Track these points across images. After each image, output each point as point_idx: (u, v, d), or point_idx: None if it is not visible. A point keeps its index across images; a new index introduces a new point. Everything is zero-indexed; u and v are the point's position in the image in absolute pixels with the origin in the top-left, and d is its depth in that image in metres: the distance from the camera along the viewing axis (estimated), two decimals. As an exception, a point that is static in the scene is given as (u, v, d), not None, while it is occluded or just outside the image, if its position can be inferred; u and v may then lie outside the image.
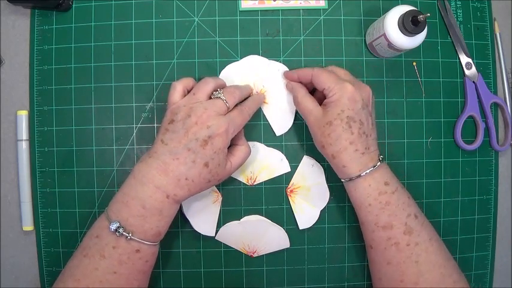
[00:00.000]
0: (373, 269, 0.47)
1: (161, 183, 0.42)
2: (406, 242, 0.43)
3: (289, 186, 0.54)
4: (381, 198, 0.44)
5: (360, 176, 0.44)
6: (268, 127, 0.54)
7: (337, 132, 0.44)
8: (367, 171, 0.44)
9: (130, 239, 0.41)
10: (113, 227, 0.41)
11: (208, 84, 0.45)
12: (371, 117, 0.45)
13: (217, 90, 0.45)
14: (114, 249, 0.42)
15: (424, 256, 0.43)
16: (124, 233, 0.41)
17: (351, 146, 0.44)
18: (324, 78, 0.45)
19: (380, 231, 0.44)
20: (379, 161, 0.45)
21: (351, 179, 0.45)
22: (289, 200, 0.53)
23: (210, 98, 0.45)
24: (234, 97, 0.46)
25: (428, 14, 0.44)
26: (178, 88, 0.45)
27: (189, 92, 0.46)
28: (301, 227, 0.53)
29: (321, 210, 0.53)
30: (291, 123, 0.53)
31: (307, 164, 0.53)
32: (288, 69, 0.53)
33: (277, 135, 0.54)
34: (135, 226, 0.42)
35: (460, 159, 0.55)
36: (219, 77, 0.53)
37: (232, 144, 0.48)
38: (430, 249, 0.44)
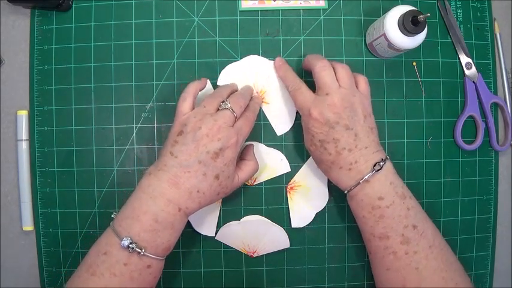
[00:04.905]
0: (374, 273, 0.47)
1: (173, 196, 0.42)
2: (404, 251, 0.43)
3: (290, 183, 0.53)
4: (374, 212, 0.44)
5: (351, 190, 0.44)
6: (269, 127, 0.54)
7: (317, 157, 0.46)
8: (354, 188, 0.44)
9: (143, 254, 0.40)
10: (125, 243, 0.40)
11: (217, 99, 0.46)
12: (351, 130, 0.44)
13: (223, 102, 0.45)
14: (125, 266, 0.40)
15: (424, 263, 0.43)
16: (137, 249, 0.40)
17: (333, 166, 0.45)
18: (299, 101, 0.46)
19: (377, 240, 0.44)
20: (374, 170, 0.43)
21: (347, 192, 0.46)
22: (288, 196, 0.53)
23: (218, 109, 0.45)
24: (241, 106, 0.46)
25: (428, 14, 0.44)
26: (188, 99, 0.45)
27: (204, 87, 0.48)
28: (293, 225, 0.53)
29: (316, 213, 0.53)
30: (292, 123, 0.53)
31: (313, 164, 0.53)
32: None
33: (277, 135, 0.54)
34: (147, 241, 0.41)
35: (460, 159, 0.55)
36: (219, 77, 0.53)
37: (241, 159, 0.48)
38: (430, 256, 0.43)
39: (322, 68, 0.45)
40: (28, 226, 0.53)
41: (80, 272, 0.42)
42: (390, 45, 0.48)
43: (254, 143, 0.53)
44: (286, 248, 0.53)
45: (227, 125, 0.43)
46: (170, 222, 0.42)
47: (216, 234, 0.53)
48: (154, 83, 0.53)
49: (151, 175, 0.43)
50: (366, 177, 0.43)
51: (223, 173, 0.43)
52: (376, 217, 0.43)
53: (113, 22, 0.53)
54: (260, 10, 0.54)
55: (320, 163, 0.47)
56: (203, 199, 0.43)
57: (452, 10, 0.55)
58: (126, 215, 0.42)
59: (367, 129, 0.45)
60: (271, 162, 0.53)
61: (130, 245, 0.40)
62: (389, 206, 0.43)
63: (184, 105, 0.45)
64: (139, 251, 0.40)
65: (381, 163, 0.44)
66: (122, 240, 0.40)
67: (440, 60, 0.55)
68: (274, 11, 0.54)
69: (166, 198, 0.41)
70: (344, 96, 0.44)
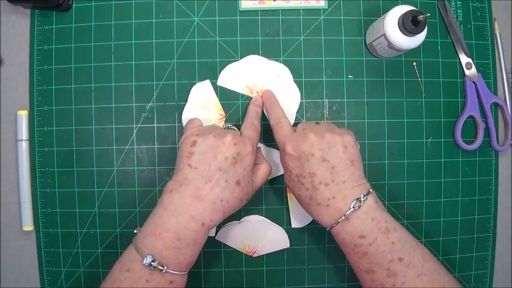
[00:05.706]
0: None
1: (197, 212, 0.41)
2: (391, 283, 0.42)
3: (289, 186, 0.54)
4: (357, 249, 0.42)
5: (332, 227, 0.43)
6: (268, 127, 0.53)
7: (296, 193, 0.45)
8: (335, 226, 0.42)
9: (166, 272, 0.40)
10: (147, 261, 0.39)
11: (215, 125, 0.49)
12: (327, 162, 0.42)
13: (222, 127, 0.47)
14: (148, 282, 0.40)
15: None
16: (159, 266, 0.40)
17: (312, 202, 0.43)
18: (278, 135, 0.46)
19: (363, 274, 0.43)
20: (352, 208, 0.41)
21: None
22: (288, 196, 0.53)
23: None
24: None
25: (428, 14, 0.44)
26: (196, 118, 0.47)
27: None
28: (293, 225, 0.53)
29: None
30: (292, 123, 0.53)
31: None
32: (286, 72, 0.53)
33: (277, 135, 0.54)
34: (169, 258, 0.40)
35: (460, 159, 0.55)
36: (219, 77, 0.53)
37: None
38: (419, 285, 0.42)
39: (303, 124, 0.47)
40: (28, 226, 0.53)
41: (105, 285, 0.42)
42: (390, 45, 0.48)
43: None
44: (286, 248, 0.53)
45: (238, 134, 0.45)
46: (192, 239, 0.41)
47: (216, 234, 0.53)
48: (154, 83, 0.53)
49: (173, 191, 0.42)
50: (346, 214, 0.41)
51: (244, 178, 0.43)
52: (359, 254, 0.42)
53: (113, 22, 0.53)
54: (260, 10, 0.54)
55: (300, 200, 0.45)
56: (227, 208, 0.43)
57: (452, 10, 0.55)
58: (148, 232, 0.41)
59: (346, 161, 0.43)
60: (272, 163, 0.53)
61: (152, 263, 0.39)
62: (372, 244, 0.41)
63: (194, 121, 0.47)
64: (162, 268, 0.40)
65: (361, 199, 0.41)
66: (143, 258, 0.40)
67: (440, 60, 0.55)
68: (274, 11, 0.54)
69: (189, 214, 0.41)
70: (321, 129, 0.44)
